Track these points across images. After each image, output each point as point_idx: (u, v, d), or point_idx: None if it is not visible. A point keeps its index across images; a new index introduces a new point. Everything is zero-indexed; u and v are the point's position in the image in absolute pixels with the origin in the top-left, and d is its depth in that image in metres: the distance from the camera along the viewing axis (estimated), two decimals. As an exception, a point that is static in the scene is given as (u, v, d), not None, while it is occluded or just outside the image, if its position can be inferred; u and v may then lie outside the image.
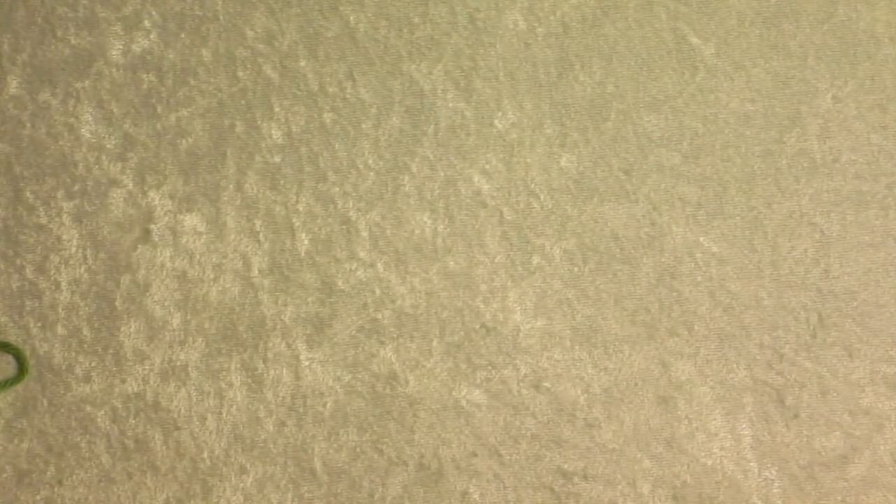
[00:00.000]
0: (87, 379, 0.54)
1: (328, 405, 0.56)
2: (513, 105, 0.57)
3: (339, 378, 0.57)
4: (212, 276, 0.54)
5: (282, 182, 0.57)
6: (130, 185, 0.56)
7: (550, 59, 0.57)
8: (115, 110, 0.57)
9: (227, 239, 0.55)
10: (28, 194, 0.56)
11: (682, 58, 0.58)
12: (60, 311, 0.55)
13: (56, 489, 0.52)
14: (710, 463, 0.56)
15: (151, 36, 0.57)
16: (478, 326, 0.56)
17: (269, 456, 0.56)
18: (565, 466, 0.56)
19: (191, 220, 0.57)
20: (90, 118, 0.57)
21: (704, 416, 0.55)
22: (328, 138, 0.57)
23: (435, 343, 0.56)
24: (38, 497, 0.53)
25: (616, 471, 0.56)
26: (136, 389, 0.54)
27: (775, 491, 0.55)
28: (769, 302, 0.58)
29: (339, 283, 0.56)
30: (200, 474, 0.56)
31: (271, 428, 0.56)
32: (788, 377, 0.55)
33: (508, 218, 0.56)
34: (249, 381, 0.55)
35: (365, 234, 0.56)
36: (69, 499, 0.52)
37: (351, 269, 0.56)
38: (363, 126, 0.57)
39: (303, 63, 0.57)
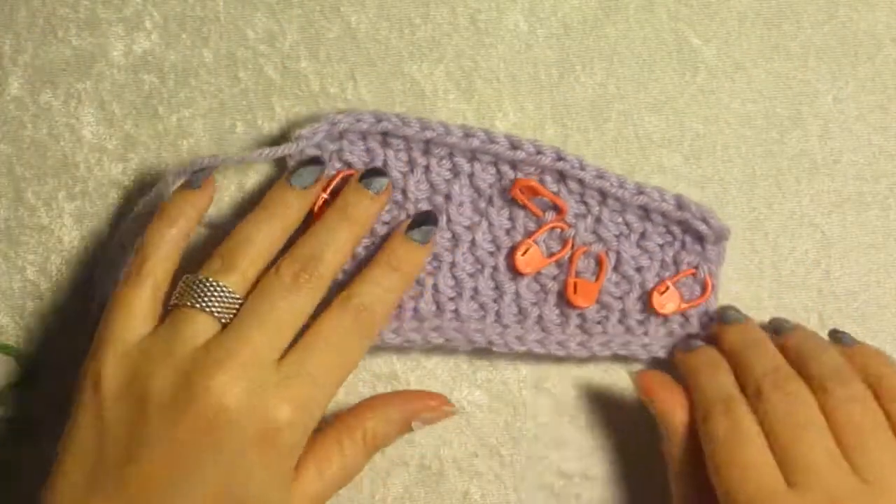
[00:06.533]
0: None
1: (328, 405, 0.56)
2: (514, 106, 0.57)
3: (340, 378, 0.57)
4: (213, 278, 0.54)
5: (283, 183, 0.57)
6: (132, 186, 0.56)
7: (551, 60, 0.57)
8: (116, 111, 0.57)
9: (228, 240, 0.55)
10: (29, 195, 0.56)
11: (683, 59, 0.58)
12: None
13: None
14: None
15: (153, 37, 0.57)
16: (479, 327, 0.56)
17: (270, 456, 0.56)
18: (566, 466, 0.56)
19: (192, 221, 0.56)
20: (91, 119, 0.57)
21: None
22: (329, 139, 0.57)
23: (436, 344, 0.56)
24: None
25: (616, 471, 0.56)
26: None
27: (775, 491, 0.55)
28: (770, 302, 0.58)
29: (341, 284, 0.56)
30: (202, 474, 0.56)
31: (273, 428, 0.56)
32: (789, 378, 0.55)
33: (509, 219, 0.56)
34: (251, 381, 0.55)
35: (366, 234, 0.56)
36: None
37: (352, 270, 0.56)
38: (364, 127, 0.57)
39: (304, 64, 0.57)
